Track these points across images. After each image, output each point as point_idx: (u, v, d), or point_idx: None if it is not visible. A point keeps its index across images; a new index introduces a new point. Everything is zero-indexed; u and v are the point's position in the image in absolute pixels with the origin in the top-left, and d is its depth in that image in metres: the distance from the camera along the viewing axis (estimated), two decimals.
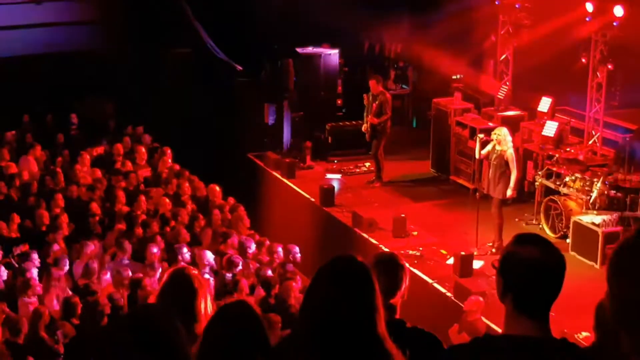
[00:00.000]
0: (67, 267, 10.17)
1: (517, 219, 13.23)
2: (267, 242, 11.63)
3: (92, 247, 10.72)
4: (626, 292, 1.85)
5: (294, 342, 3.09)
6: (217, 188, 13.54)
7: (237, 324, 3.30)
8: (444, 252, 12.34)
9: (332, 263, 3.07)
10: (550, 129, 13.99)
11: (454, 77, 16.87)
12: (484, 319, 9.67)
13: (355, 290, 2.96)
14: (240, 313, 3.39)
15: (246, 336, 3.28)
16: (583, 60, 14.04)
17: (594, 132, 14.05)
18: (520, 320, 2.72)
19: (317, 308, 2.98)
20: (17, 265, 10.26)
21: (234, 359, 3.21)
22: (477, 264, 11.69)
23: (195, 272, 4.10)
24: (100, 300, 8.85)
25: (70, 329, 8.46)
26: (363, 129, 15.12)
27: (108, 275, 9.95)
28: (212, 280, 9.95)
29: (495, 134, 12.15)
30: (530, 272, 2.70)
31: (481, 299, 9.75)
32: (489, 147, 12.08)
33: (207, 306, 3.91)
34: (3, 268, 10.09)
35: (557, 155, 13.43)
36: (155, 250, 10.52)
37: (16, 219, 11.69)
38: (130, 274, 9.88)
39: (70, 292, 9.65)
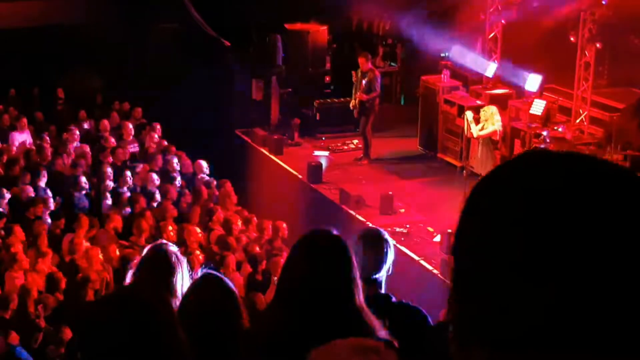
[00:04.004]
0: (46, 242, 10.10)
1: None
2: (255, 219, 11.62)
3: (85, 221, 10.67)
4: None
5: (273, 314, 3.10)
6: (204, 164, 13.49)
7: (209, 296, 3.34)
8: (430, 229, 12.37)
9: (308, 236, 3.10)
10: (537, 107, 13.99)
11: (442, 54, 16.83)
12: None
13: (331, 262, 3.00)
14: (211, 284, 3.41)
15: (219, 307, 3.32)
16: (571, 38, 14.04)
17: (581, 111, 14.07)
18: None
19: (294, 280, 3.02)
20: (0, 240, 10.21)
21: (210, 328, 3.23)
22: None
23: (174, 248, 4.10)
24: (88, 275, 8.83)
25: (52, 303, 8.44)
26: (351, 105, 15.10)
27: (96, 251, 9.89)
28: (200, 256, 9.92)
29: (483, 111, 12.16)
30: None
31: None
32: (479, 126, 12.08)
33: (184, 282, 3.91)
34: None
35: (544, 133, 13.44)
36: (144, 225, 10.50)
37: (5, 194, 11.60)
38: (117, 249, 9.86)
39: (54, 267, 9.61)
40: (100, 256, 9.57)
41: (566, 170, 1.01)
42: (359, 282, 3.03)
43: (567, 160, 1.03)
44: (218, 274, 3.60)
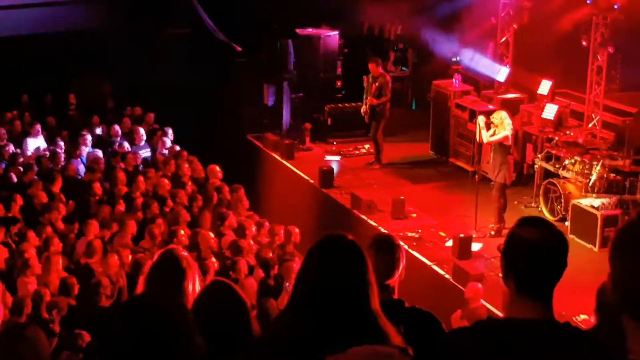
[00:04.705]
0: (60, 247, 10.14)
1: (516, 202, 13.23)
2: (267, 224, 11.62)
3: (95, 226, 10.71)
4: (630, 273, 1.83)
5: (288, 319, 3.11)
6: (217, 169, 13.52)
7: (219, 304, 3.36)
8: (442, 234, 12.35)
9: (322, 241, 3.11)
10: (550, 111, 13.97)
11: (453, 59, 16.83)
12: (485, 304, 9.67)
13: (346, 266, 3.00)
14: (220, 292, 3.44)
15: (228, 312, 3.34)
16: (583, 43, 14.01)
17: (593, 115, 14.04)
18: (522, 302, 2.72)
19: (310, 285, 3.02)
20: (14, 246, 10.25)
21: (219, 332, 3.25)
22: (475, 246, 11.70)
23: (185, 253, 4.12)
24: (101, 281, 8.84)
25: (64, 307, 8.46)
26: (362, 110, 15.11)
27: (113, 256, 9.90)
28: (215, 262, 9.92)
29: (494, 117, 12.15)
30: (531, 253, 2.71)
31: (479, 285, 9.77)
32: (490, 132, 12.06)
33: (195, 287, 3.94)
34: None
35: (556, 138, 13.42)
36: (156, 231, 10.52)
37: (18, 199, 11.65)
38: (130, 254, 9.88)
39: (66, 272, 9.64)
40: (113, 261, 9.59)
41: None
42: (375, 287, 3.03)
43: None
44: (227, 281, 3.61)
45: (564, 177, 12.76)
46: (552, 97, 14.51)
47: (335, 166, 14.90)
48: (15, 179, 12.92)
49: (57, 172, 12.81)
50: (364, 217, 12.89)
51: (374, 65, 14.92)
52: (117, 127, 15.24)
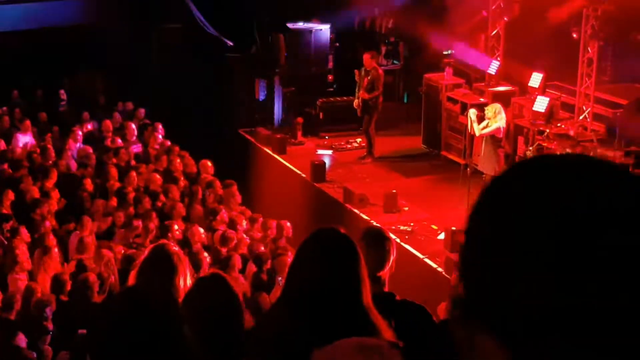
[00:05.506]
0: (54, 243, 10.11)
1: None
2: (260, 219, 11.62)
3: (89, 222, 10.70)
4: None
5: (280, 313, 3.11)
6: (209, 163, 13.50)
7: (212, 296, 3.36)
8: (434, 227, 12.37)
9: (315, 235, 3.10)
10: (541, 104, 13.98)
11: (444, 52, 16.83)
12: None
13: (339, 260, 3.00)
14: (214, 285, 3.43)
15: (222, 306, 3.34)
16: (574, 35, 14.02)
17: (584, 108, 14.06)
18: None
19: (302, 279, 3.01)
20: (6, 242, 10.22)
21: (211, 328, 3.25)
22: None
23: (175, 248, 4.12)
24: (90, 277, 8.82)
25: (53, 304, 8.44)
26: (354, 104, 15.11)
27: (107, 253, 9.87)
28: (207, 257, 9.91)
29: (488, 110, 12.15)
30: None
31: None
32: (483, 124, 12.06)
33: (186, 282, 3.93)
34: None
35: (547, 130, 13.43)
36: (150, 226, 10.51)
37: (10, 195, 11.61)
38: (122, 250, 9.86)
39: (60, 268, 9.62)
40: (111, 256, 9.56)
41: (570, 174, 1.05)
42: (367, 281, 3.03)
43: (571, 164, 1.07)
44: (221, 274, 3.60)
45: None
46: (543, 89, 14.52)
47: (327, 160, 14.91)
48: (5, 175, 12.88)
49: (52, 168, 12.78)
50: (356, 210, 12.90)
51: (369, 57, 14.91)
52: (108, 123, 15.21)
